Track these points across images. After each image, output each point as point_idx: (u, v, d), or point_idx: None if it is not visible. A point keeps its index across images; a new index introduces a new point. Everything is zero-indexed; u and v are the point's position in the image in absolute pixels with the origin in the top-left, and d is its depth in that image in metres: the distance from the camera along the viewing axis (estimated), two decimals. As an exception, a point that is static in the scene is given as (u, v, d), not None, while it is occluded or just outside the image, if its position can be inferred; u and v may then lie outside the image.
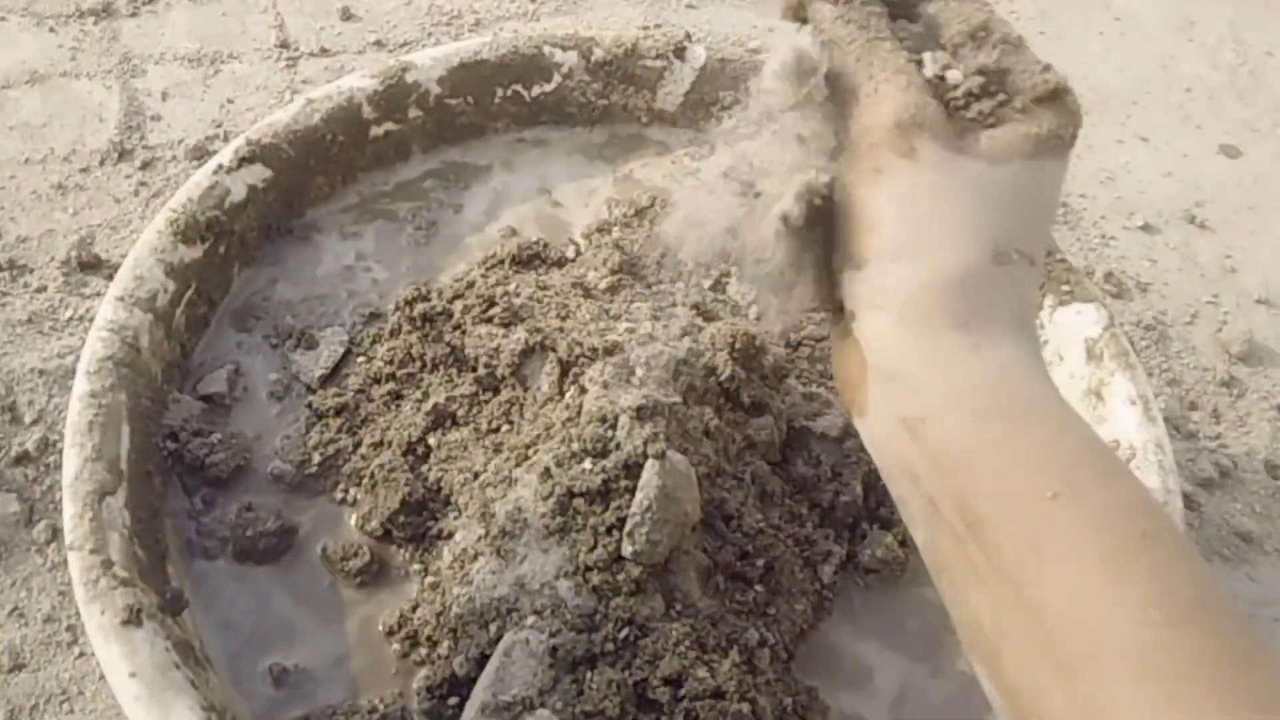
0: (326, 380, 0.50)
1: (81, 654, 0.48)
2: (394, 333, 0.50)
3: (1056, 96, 0.34)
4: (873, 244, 0.33)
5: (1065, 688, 0.27)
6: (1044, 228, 0.35)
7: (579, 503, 0.40)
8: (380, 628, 0.43)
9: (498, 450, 0.45)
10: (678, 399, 0.43)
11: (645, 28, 0.81)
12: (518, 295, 0.49)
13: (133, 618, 0.38)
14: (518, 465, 0.43)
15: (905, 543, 0.46)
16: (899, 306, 0.32)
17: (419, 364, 0.48)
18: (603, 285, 0.51)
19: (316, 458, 0.47)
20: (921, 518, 0.32)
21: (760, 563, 0.43)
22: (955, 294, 0.32)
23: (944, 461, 0.31)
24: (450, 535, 0.44)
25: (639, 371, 0.44)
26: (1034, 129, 0.33)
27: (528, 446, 0.44)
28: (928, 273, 0.32)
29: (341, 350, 0.51)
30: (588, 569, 0.40)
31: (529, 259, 0.53)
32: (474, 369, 0.47)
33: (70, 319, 0.59)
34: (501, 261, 0.53)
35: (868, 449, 0.34)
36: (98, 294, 0.60)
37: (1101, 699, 0.27)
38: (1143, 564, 0.28)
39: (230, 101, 0.72)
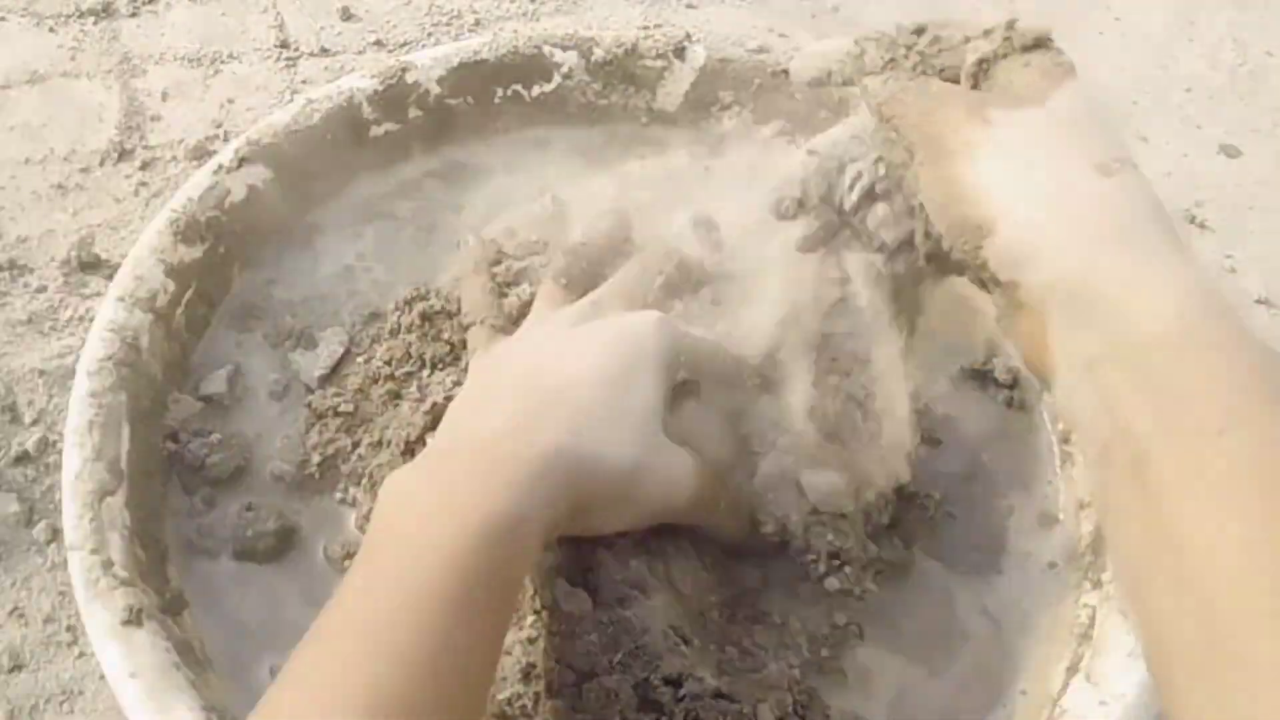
0: (326, 380, 0.50)
1: (81, 654, 0.48)
2: (393, 332, 0.50)
3: (1040, 43, 0.41)
4: (994, 207, 0.34)
5: (1201, 630, 0.27)
6: (1113, 135, 0.36)
7: None
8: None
9: None
10: None
11: (645, 28, 0.81)
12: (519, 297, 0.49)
13: (133, 618, 0.38)
14: None
15: (908, 544, 0.46)
16: (1051, 252, 0.33)
17: (418, 363, 0.48)
18: None
19: (316, 458, 0.47)
20: (1098, 460, 0.32)
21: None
22: (1095, 221, 0.33)
23: (1118, 400, 0.31)
24: None
25: None
26: (1047, 64, 0.39)
27: None
28: (1061, 210, 0.34)
29: (341, 350, 0.51)
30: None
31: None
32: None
33: (70, 319, 0.59)
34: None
35: (1066, 413, 0.34)
36: (98, 294, 0.60)
37: (1234, 643, 0.26)
38: None
39: (230, 101, 0.71)
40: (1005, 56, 0.39)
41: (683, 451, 0.40)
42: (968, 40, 0.40)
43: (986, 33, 0.40)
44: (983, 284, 0.37)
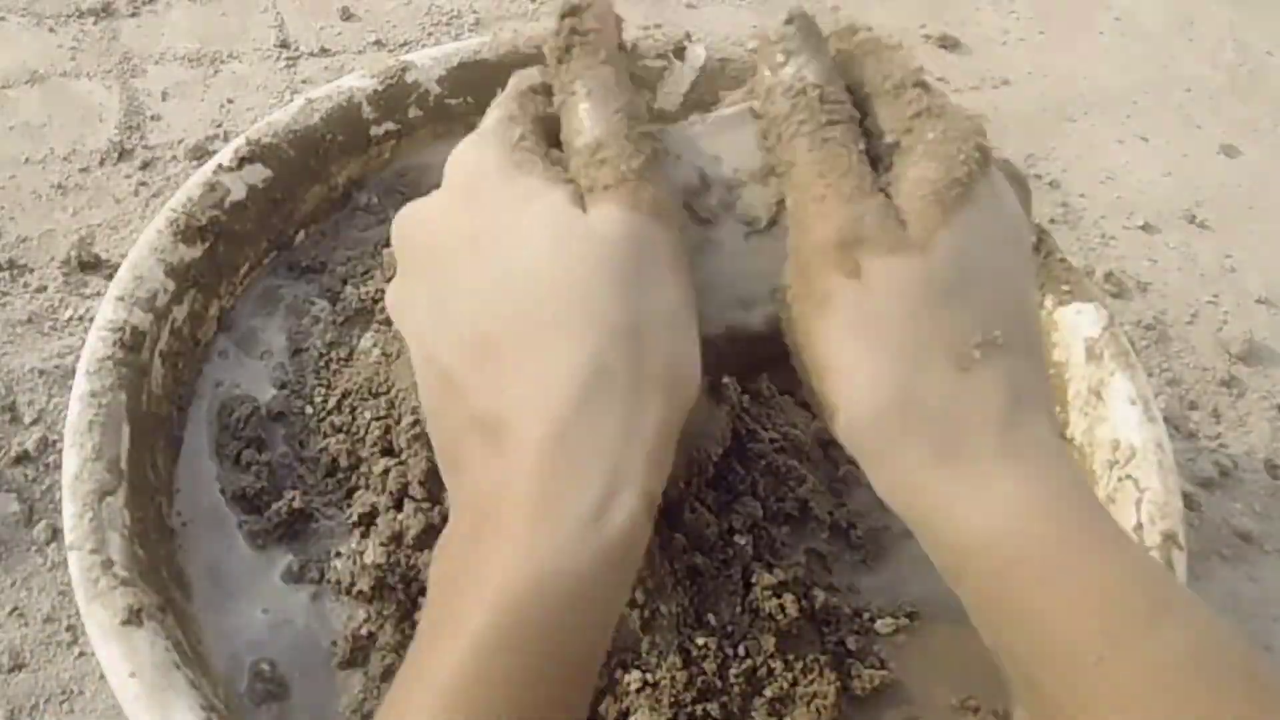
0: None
1: (81, 654, 0.48)
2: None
3: (926, 117, 0.32)
4: (840, 390, 0.30)
5: None
6: (1012, 293, 0.31)
7: None
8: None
9: None
10: None
11: (645, 28, 0.81)
12: None
13: (133, 618, 0.38)
14: None
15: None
16: (886, 459, 0.30)
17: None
18: None
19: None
20: (992, 650, 0.31)
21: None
22: (934, 429, 0.29)
23: (989, 619, 0.30)
24: None
25: None
26: (928, 174, 0.31)
27: None
28: (902, 412, 0.30)
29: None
30: None
31: None
32: None
33: (70, 319, 0.59)
34: None
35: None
36: (98, 294, 0.60)
37: None
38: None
39: (230, 101, 0.72)
40: (909, 136, 0.33)
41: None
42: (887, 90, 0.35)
43: (897, 91, 0.34)
44: None
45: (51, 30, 0.75)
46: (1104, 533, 0.29)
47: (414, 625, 0.41)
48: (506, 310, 0.30)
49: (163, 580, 0.42)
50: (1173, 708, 0.26)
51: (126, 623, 0.38)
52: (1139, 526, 0.44)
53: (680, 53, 0.61)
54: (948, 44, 0.85)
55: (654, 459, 0.29)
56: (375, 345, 0.50)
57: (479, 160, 0.32)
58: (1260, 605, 0.57)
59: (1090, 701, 0.27)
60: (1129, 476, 0.46)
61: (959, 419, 0.30)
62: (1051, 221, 0.73)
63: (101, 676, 0.46)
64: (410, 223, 0.33)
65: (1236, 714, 0.26)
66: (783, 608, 0.42)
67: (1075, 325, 0.51)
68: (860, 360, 0.30)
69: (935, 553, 0.31)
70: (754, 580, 0.42)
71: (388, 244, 0.45)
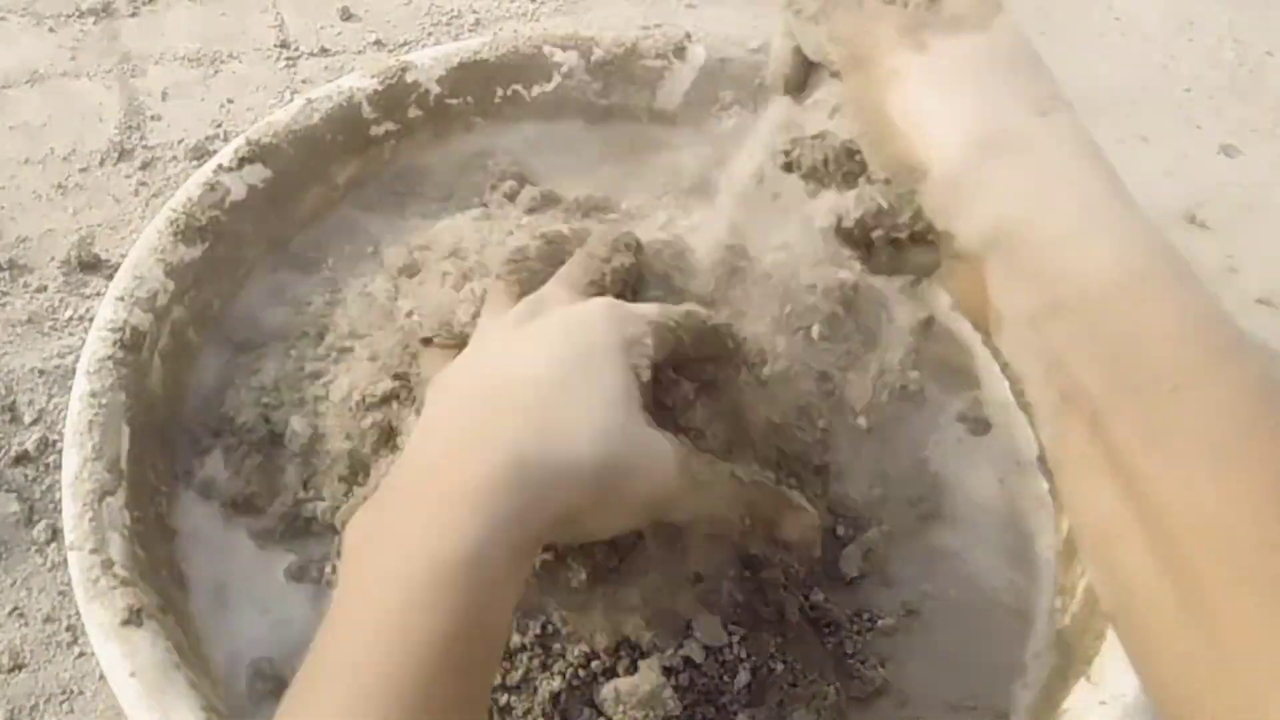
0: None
1: (81, 654, 0.48)
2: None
3: None
4: (927, 147, 0.32)
5: (1176, 588, 0.27)
6: (1048, 74, 0.34)
7: None
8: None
9: None
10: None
11: (645, 28, 0.81)
12: None
13: (133, 618, 0.38)
14: None
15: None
16: (987, 198, 0.31)
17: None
18: None
19: None
20: (1049, 416, 0.31)
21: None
22: (1032, 166, 0.31)
23: (1065, 357, 0.30)
24: None
25: None
26: None
27: None
28: (997, 153, 0.31)
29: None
30: None
31: None
32: None
33: (70, 319, 0.59)
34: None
35: (1013, 366, 0.33)
36: (98, 294, 0.60)
37: (1211, 602, 0.26)
38: (1259, 455, 0.27)
39: (230, 101, 0.71)
40: None
41: (660, 435, 0.36)
42: None
43: None
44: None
45: (51, 30, 0.74)
46: (1184, 271, 0.30)
47: None
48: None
49: (163, 580, 0.42)
50: (1240, 435, 0.27)
51: (126, 623, 0.38)
52: (1139, 526, 0.44)
53: (680, 53, 0.61)
54: (948, 44, 0.85)
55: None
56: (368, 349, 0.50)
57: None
58: (1260, 605, 0.57)
59: (1163, 430, 0.28)
60: (1129, 476, 0.46)
61: (1057, 155, 0.31)
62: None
63: (101, 676, 0.46)
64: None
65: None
66: (782, 610, 0.42)
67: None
68: (946, 114, 0.32)
69: (1026, 291, 0.31)
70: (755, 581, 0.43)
71: None
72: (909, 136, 0.32)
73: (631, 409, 0.35)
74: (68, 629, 0.49)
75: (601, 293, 0.40)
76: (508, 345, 0.38)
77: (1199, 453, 0.27)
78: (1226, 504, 0.26)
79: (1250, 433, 0.27)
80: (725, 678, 0.41)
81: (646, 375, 0.36)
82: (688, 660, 0.40)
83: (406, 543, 0.32)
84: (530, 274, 0.42)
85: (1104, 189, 0.31)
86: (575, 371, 0.35)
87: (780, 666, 0.41)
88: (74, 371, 0.45)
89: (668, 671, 0.40)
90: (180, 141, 0.68)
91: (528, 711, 0.39)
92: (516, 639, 0.40)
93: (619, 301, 0.39)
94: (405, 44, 0.78)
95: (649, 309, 0.39)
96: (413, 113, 0.58)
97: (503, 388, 0.35)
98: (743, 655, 0.41)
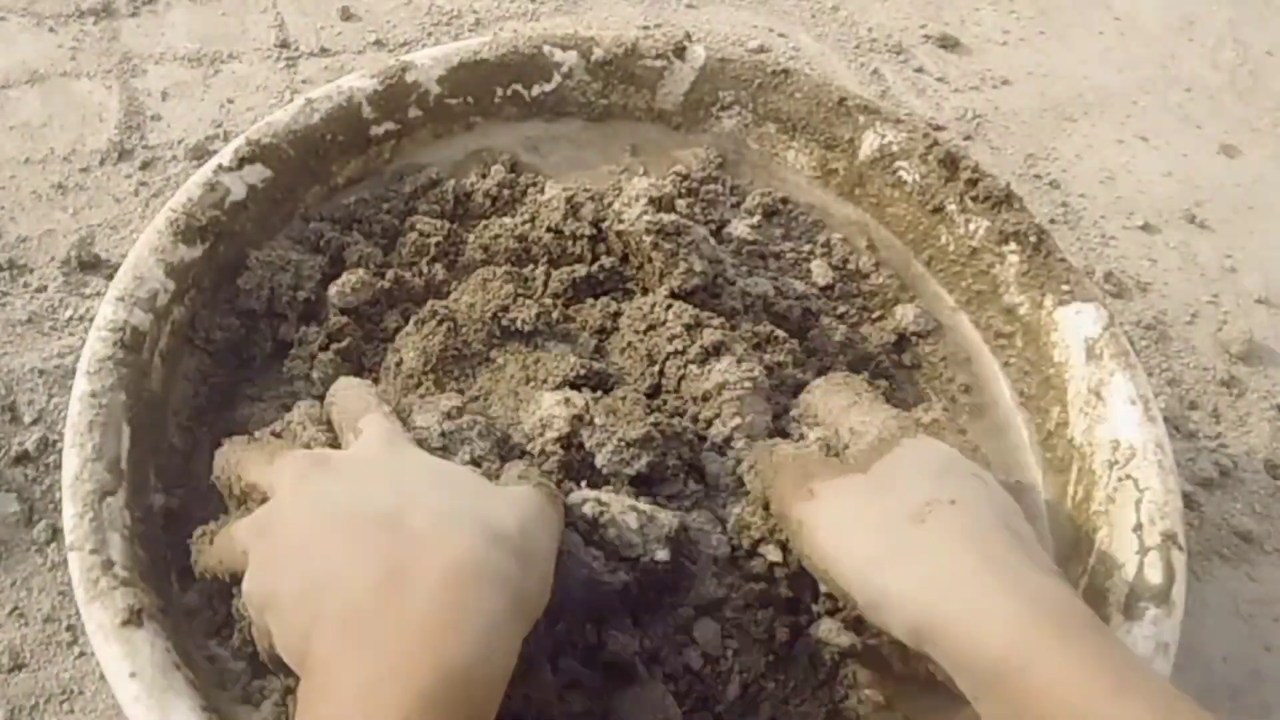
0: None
1: (81, 654, 0.48)
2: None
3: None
4: (844, 577, 0.38)
5: None
6: (925, 485, 0.39)
7: None
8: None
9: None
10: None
11: (645, 28, 0.81)
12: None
13: (133, 618, 0.38)
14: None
15: None
16: (896, 609, 0.36)
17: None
18: None
19: None
20: None
21: None
22: (921, 571, 0.36)
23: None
24: None
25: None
26: (893, 426, 0.42)
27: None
28: (890, 569, 0.37)
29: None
30: None
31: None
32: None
33: (70, 319, 0.59)
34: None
35: None
36: (98, 294, 0.60)
37: None
38: None
39: (230, 101, 0.71)
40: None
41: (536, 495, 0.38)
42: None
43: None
44: None
45: (51, 30, 0.75)
46: (1067, 625, 0.34)
47: None
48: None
49: (163, 580, 0.42)
50: None
51: (126, 623, 0.38)
52: (1139, 526, 0.44)
53: (680, 53, 0.61)
54: (948, 44, 0.85)
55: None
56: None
57: None
58: (1260, 605, 0.57)
59: None
60: (1129, 476, 0.46)
61: (937, 554, 0.36)
62: (1051, 222, 0.73)
63: (101, 676, 0.46)
64: None
65: None
66: (772, 632, 0.42)
67: (1075, 325, 0.51)
68: (846, 548, 0.38)
69: (957, 678, 0.35)
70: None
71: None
72: (832, 573, 0.38)
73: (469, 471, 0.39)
74: (68, 629, 0.49)
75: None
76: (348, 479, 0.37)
77: None
78: None
79: None
80: (719, 687, 0.41)
81: None
82: (686, 668, 0.40)
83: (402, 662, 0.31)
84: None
85: (986, 574, 0.35)
86: (429, 480, 0.37)
87: (771, 685, 0.41)
88: (74, 371, 0.45)
89: (668, 678, 0.40)
90: (180, 141, 0.68)
91: None
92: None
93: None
94: (405, 44, 0.78)
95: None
96: (413, 113, 0.58)
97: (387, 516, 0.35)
98: (735, 668, 0.41)
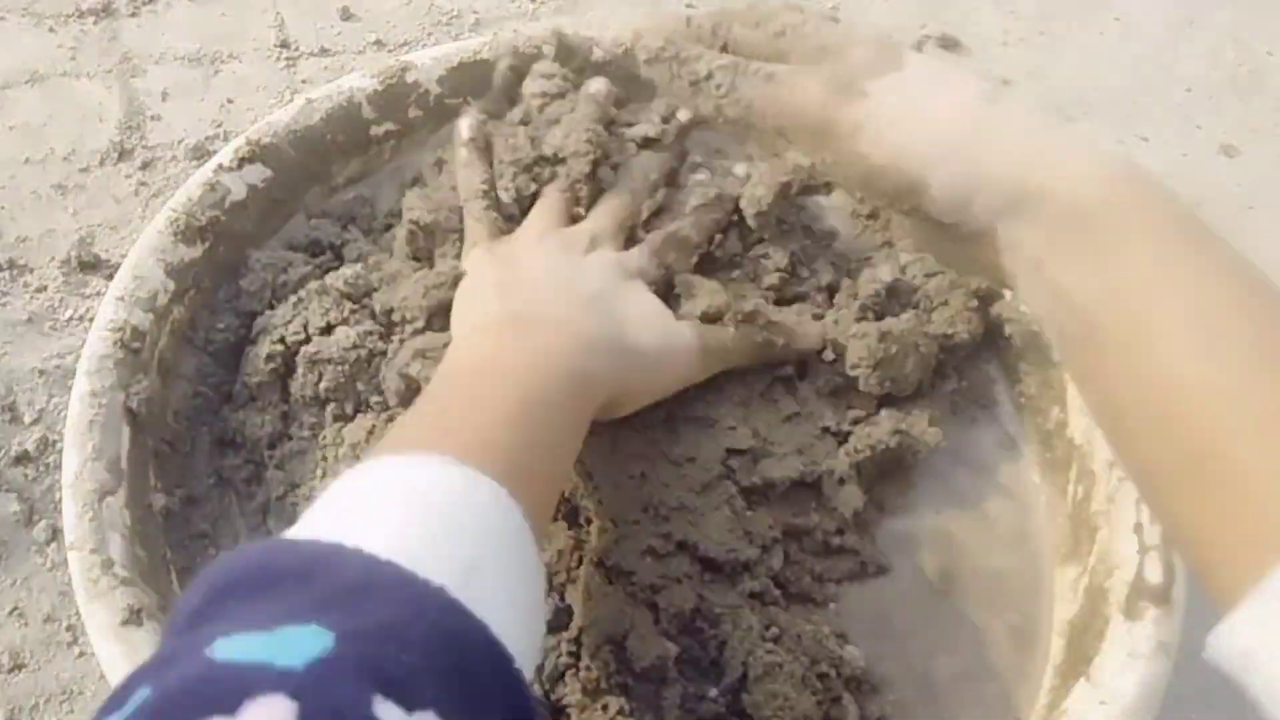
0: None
1: (81, 654, 0.48)
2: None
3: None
4: (917, 167, 0.37)
5: (1187, 450, 0.30)
6: (966, 69, 0.43)
7: None
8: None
9: None
10: None
11: (645, 28, 0.81)
12: None
13: (133, 618, 0.38)
14: None
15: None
16: (986, 180, 0.36)
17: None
18: None
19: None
20: (1059, 340, 0.36)
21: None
22: (1007, 135, 0.36)
23: (1063, 283, 0.34)
24: None
25: None
26: (877, 46, 0.40)
27: None
28: (977, 142, 0.36)
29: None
30: None
31: None
32: None
33: (70, 319, 0.59)
34: None
35: (1030, 309, 0.38)
36: (98, 294, 0.60)
37: (1220, 458, 0.29)
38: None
39: (230, 101, 0.72)
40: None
41: (683, 325, 0.45)
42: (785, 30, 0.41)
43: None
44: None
45: (51, 30, 0.75)
46: (1151, 188, 0.34)
47: None
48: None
49: (163, 580, 0.42)
50: (1221, 309, 0.31)
51: (126, 623, 0.38)
52: (1139, 526, 0.44)
53: (680, 53, 0.61)
54: (948, 44, 0.85)
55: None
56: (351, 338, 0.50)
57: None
58: (1260, 605, 0.57)
59: (1147, 319, 0.32)
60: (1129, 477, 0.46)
61: (1019, 118, 0.36)
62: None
63: (101, 676, 0.46)
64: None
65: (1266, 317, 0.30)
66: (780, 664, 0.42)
67: (1075, 325, 0.51)
68: (919, 136, 0.37)
69: (1036, 223, 0.35)
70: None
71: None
72: (900, 166, 0.37)
73: (663, 310, 0.45)
74: (68, 629, 0.49)
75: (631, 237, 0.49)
76: (568, 266, 0.45)
77: (1186, 339, 0.31)
78: (1229, 376, 0.30)
79: (1221, 309, 0.31)
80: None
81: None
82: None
83: (527, 358, 0.38)
84: (577, 195, 0.49)
85: (1065, 133, 0.37)
86: (622, 293, 0.44)
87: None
88: (74, 371, 0.45)
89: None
90: (180, 141, 0.68)
91: None
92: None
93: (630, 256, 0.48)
94: (405, 44, 0.78)
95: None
96: (413, 113, 0.58)
97: (585, 291, 0.43)
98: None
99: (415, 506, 0.29)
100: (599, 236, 0.47)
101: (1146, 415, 0.31)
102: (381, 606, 0.25)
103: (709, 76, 0.40)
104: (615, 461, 0.45)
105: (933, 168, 0.36)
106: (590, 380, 0.39)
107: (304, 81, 0.74)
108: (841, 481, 0.47)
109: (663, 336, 0.44)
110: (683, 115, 0.50)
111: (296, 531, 0.29)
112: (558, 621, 0.41)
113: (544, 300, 0.42)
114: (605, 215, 0.49)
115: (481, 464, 0.31)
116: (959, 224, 0.37)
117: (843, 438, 0.48)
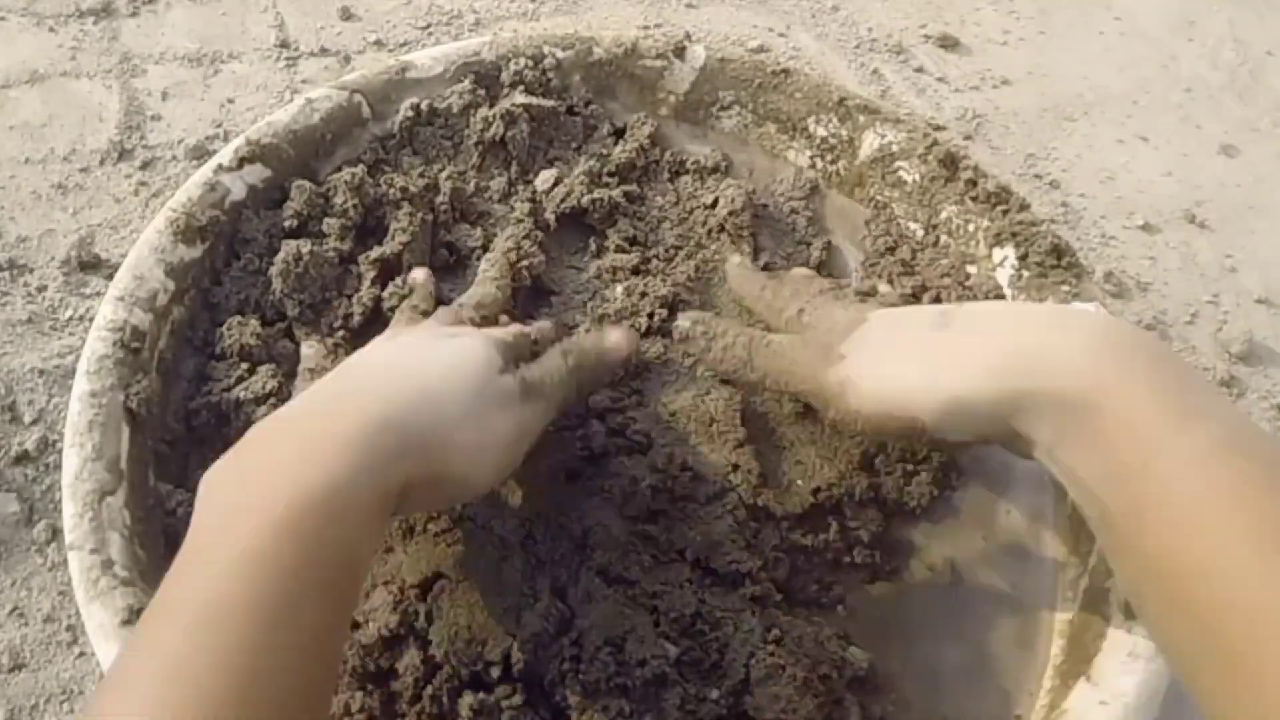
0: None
1: (81, 654, 0.48)
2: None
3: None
4: (908, 410, 0.39)
5: (1209, 643, 0.30)
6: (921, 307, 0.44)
7: None
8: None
9: None
10: None
11: (645, 28, 0.81)
12: None
13: (132, 618, 0.38)
14: None
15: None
16: (978, 406, 0.38)
17: None
18: None
19: None
20: (1086, 519, 0.37)
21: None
22: (976, 354, 0.38)
23: (1074, 470, 0.36)
24: None
25: None
26: (846, 302, 0.46)
27: None
28: (951, 372, 0.38)
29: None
30: None
31: None
32: None
33: (70, 319, 0.59)
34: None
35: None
36: (98, 294, 0.60)
37: (1241, 654, 0.29)
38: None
39: (230, 101, 0.71)
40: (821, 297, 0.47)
41: (517, 394, 0.40)
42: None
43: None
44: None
45: (51, 30, 0.74)
46: (1136, 360, 0.35)
47: (406, 630, 0.41)
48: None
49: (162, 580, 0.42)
50: (1210, 493, 0.31)
51: (126, 623, 0.38)
52: (1139, 526, 0.44)
53: (680, 53, 0.61)
54: (948, 44, 0.85)
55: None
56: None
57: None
58: (1260, 605, 0.57)
59: (1144, 505, 0.32)
60: (1129, 476, 0.46)
61: (966, 342, 0.38)
62: (1052, 222, 0.73)
63: (101, 676, 0.46)
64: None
65: (1265, 490, 0.30)
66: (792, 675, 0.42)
67: (1075, 325, 0.51)
68: (900, 383, 0.39)
69: (1043, 418, 0.36)
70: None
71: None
72: (892, 413, 0.40)
73: (485, 393, 0.39)
74: (68, 629, 0.49)
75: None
76: (396, 342, 0.42)
77: (1191, 520, 0.31)
78: (1231, 555, 0.30)
79: (1219, 485, 0.31)
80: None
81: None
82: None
83: (271, 478, 0.32)
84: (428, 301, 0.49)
85: (1030, 332, 0.38)
86: (447, 367, 0.39)
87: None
88: (74, 371, 0.45)
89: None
90: (180, 141, 0.68)
91: None
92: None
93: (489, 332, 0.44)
94: (405, 44, 0.78)
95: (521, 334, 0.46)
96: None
97: (379, 368, 0.39)
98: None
99: None
100: (438, 317, 0.46)
101: (1160, 596, 0.32)
102: None
103: (730, 347, 0.46)
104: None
105: (918, 408, 0.39)
106: (341, 493, 0.33)
107: (304, 81, 0.73)
108: (863, 504, 0.47)
109: (472, 384, 0.39)
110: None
111: None
112: (558, 624, 0.41)
113: (313, 392, 0.38)
114: (452, 310, 0.47)
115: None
116: (964, 444, 0.40)
117: (868, 459, 0.48)
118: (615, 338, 0.45)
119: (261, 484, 0.32)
